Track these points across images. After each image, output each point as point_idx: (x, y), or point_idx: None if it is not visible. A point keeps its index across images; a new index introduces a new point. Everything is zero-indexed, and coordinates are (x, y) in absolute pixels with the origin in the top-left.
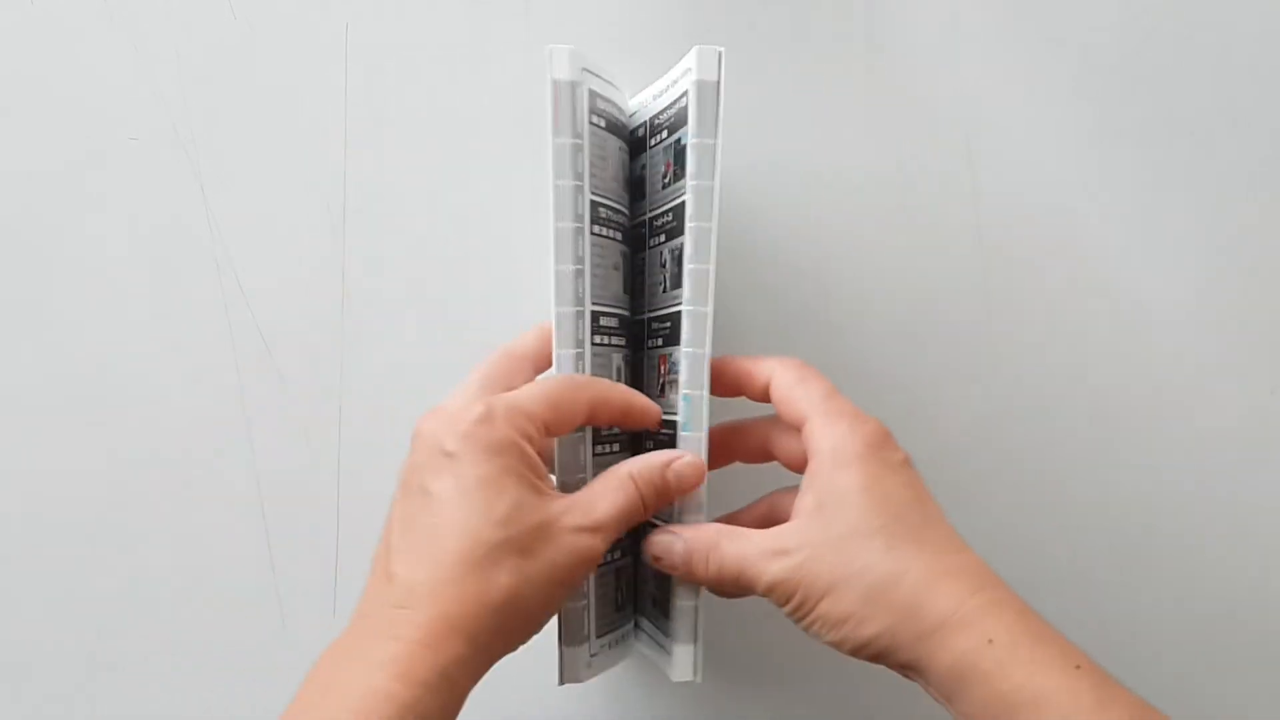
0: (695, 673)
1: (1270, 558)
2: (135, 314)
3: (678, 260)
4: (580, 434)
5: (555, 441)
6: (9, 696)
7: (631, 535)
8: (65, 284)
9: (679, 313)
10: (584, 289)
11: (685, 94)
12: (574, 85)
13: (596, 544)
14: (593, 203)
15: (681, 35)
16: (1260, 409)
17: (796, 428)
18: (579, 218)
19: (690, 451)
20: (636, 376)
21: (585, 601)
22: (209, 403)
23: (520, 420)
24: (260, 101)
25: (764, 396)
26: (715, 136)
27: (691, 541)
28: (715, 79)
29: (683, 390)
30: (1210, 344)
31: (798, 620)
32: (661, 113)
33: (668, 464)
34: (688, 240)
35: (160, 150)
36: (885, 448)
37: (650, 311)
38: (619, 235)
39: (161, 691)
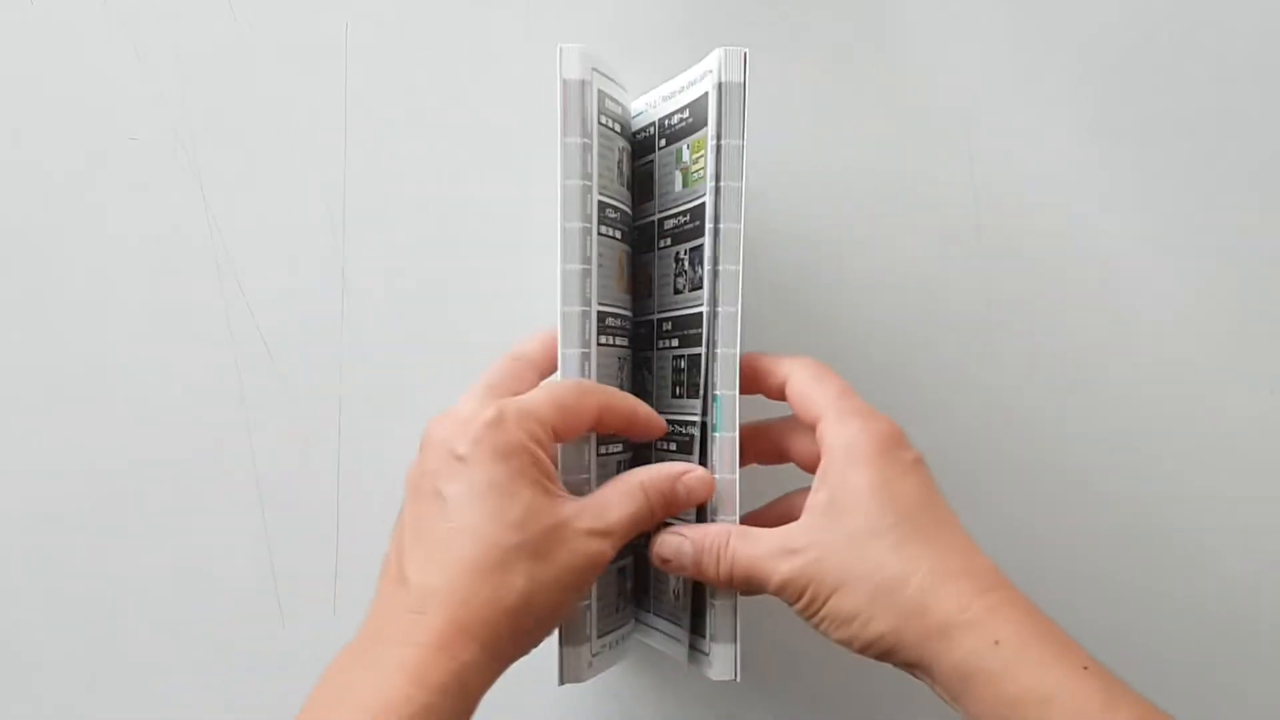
0: (735, 672)
1: (1272, 558)
2: (135, 315)
3: (695, 262)
4: (585, 436)
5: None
6: (9, 696)
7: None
8: (65, 285)
9: (699, 314)
10: (591, 289)
11: (705, 94)
12: (583, 84)
13: (606, 549)
14: (600, 203)
15: (681, 35)
16: (1260, 409)
17: (811, 426)
18: (587, 218)
19: (700, 467)
20: (636, 377)
21: (588, 603)
22: (209, 403)
23: (530, 424)
24: (260, 102)
25: (780, 395)
26: (741, 137)
27: (701, 542)
28: (740, 80)
29: (716, 390)
30: (1210, 344)
31: (808, 618)
32: (674, 114)
33: (679, 476)
34: (718, 241)
35: (160, 150)
36: (898, 447)
37: (661, 312)
38: (619, 235)
39: (161, 691)
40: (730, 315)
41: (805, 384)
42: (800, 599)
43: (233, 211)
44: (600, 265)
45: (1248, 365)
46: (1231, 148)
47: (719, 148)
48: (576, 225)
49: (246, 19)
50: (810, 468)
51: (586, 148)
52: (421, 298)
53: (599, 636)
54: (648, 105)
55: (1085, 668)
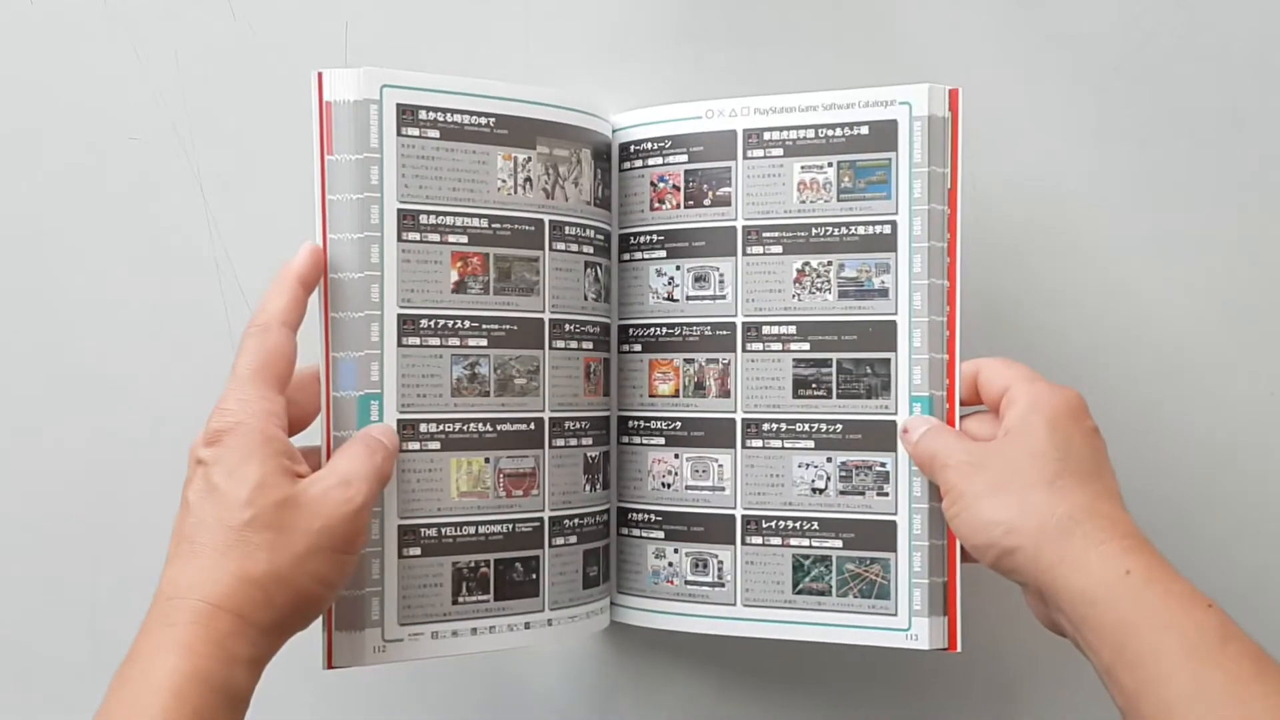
0: (945, 640)
1: (1271, 558)
2: (135, 313)
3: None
4: None
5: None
6: (9, 696)
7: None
8: (65, 283)
9: (833, 321)
10: (382, 294)
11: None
12: (356, 105)
13: (350, 494)
14: (409, 212)
15: (681, 35)
16: (1260, 409)
17: (996, 405)
18: (374, 227)
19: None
20: (607, 374)
21: (376, 589)
22: (209, 402)
23: (256, 407)
24: (260, 102)
25: (971, 393)
26: (945, 165)
27: (928, 425)
28: (944, 115)
29: (928, 391)
30: (1210, 344)
31: (954, 516)
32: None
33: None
34: (924, 258)
35: (160, 150)
36: (1080, 413)
37: (748, 316)
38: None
39: None
40: (937, 325)
41: (996, 368)
42: (953, 491)
43: (233, 211)
44: (405, 270)
45: (1248, 365)
46: (1231, 147)
47: (928, 174)
48: (347, 236)
49: (247, 20)
50: None
51: (365, 163)
52: None
53: (405, 624)
54: (635, 120)
55: (1210, 605)
